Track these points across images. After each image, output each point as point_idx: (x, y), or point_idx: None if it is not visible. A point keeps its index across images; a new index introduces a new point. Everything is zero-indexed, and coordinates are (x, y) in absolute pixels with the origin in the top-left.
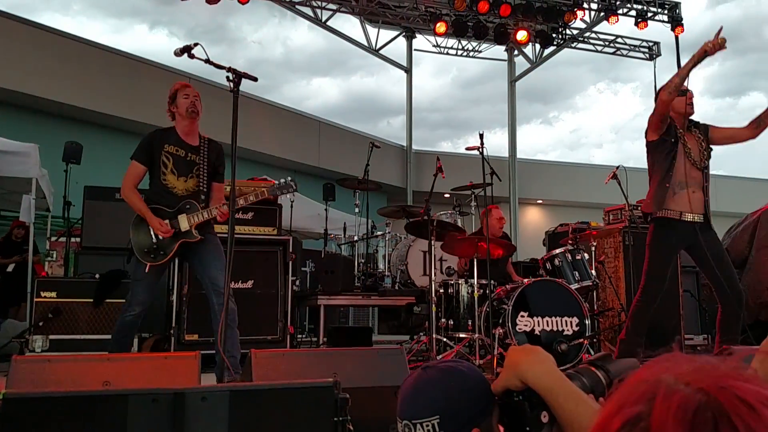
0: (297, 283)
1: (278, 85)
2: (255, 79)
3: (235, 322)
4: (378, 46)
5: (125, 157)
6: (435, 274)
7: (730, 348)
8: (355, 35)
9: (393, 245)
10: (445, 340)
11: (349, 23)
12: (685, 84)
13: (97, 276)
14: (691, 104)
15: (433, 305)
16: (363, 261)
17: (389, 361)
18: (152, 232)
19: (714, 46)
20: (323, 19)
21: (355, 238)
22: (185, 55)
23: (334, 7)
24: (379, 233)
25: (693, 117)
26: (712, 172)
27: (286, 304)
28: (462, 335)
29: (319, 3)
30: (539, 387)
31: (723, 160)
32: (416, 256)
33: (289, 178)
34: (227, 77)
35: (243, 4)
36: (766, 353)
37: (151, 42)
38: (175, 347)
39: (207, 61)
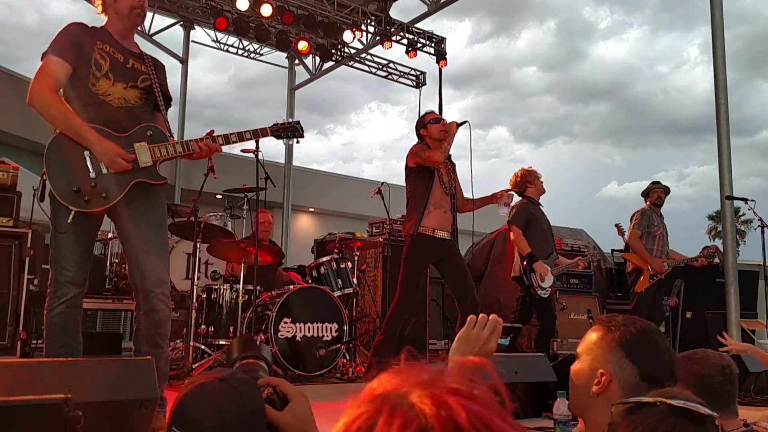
0: (35, 282)
1: (28, 57)
2: None
3: (165, 336)
4: (152, 32)
5: None
6: (199, 278)
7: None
8: None
9: None
10: (203, 347)
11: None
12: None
13: None
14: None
15: (193, 311)
16: (117, 261)
17: (136, 371)
18: (90, 162)
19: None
20: None
21: (110, 235)
22: None
23: None
24: None
25: None
26: None
27: (19, 306)
28: (222, 342)
29: None
30: None
31: (465, 185)
32: (179, 258)
33: (296, 120)
34: None
35: None
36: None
37: None
38: None
39: None
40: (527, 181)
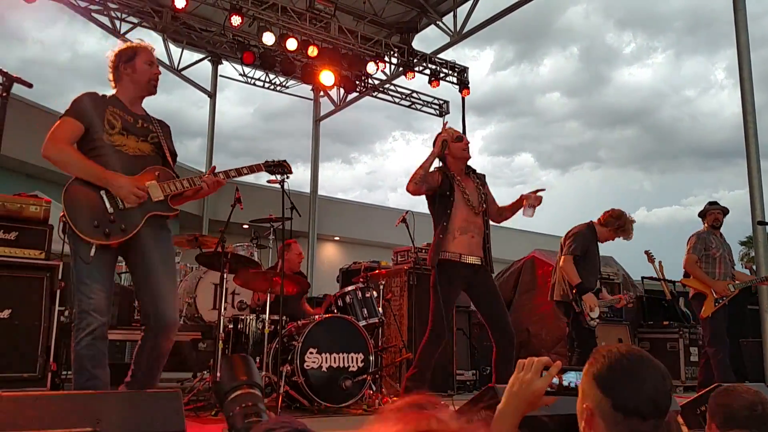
0: (66, 314)
1: (61, 93)
2: (30, 86)
3: (161, 367)
4: (180, 67)
5: None
6: (226, 309)
7: (495, 387)
8: (155, 51)
9: (182, 276)
10: None
11: (149, 38)
12: (461, 133)
13: None
14: (467, 149)
15: (220, 341)
16: None
17: (163, 404)
18: (107, 199)
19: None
20: (122, 31)
21: None
22: None
23: (135, 20)
24: None
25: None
26: None
27: (50, 337)
28: None
29: (119, 14)
30: None
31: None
32: (206, 288)
33: (283, 159)
34: None
35: (29, 2)
36: (510, 387)
37: None
38: None
39: None
40: (614, 225)
